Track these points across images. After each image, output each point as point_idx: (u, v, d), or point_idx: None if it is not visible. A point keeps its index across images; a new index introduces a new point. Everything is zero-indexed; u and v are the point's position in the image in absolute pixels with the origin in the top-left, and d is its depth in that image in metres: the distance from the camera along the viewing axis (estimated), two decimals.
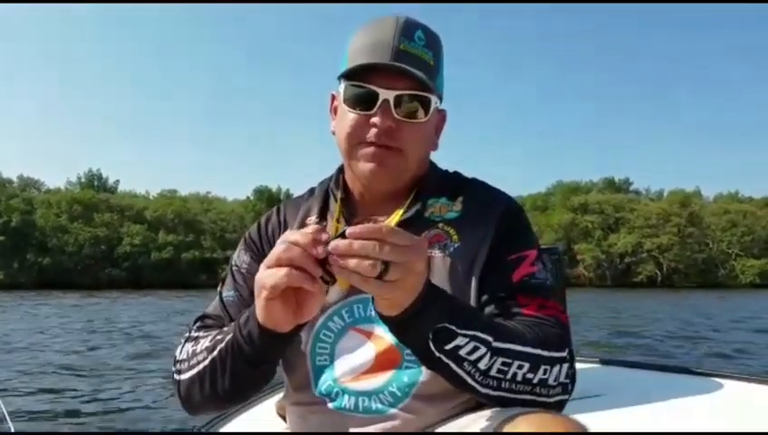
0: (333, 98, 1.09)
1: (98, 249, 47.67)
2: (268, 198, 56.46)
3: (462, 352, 0.85)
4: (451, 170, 1.17)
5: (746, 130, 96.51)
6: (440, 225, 1.05)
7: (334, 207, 1.11)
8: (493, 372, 0.87)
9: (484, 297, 0.99)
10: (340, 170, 1.14)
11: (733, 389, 2.12)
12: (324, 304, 1.02)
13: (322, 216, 1.12)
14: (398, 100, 0.99)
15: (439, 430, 0.98)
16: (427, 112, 1.02)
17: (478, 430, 0.88)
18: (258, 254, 1.11)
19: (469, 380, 0.87)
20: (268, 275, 0.80)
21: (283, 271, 0.78)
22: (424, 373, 0.97)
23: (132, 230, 49.63)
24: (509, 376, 0.87)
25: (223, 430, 1.77)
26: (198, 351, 0.99)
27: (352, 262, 0.74)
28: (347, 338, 1.03)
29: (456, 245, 1.02)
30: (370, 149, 1.01)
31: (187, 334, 1.07)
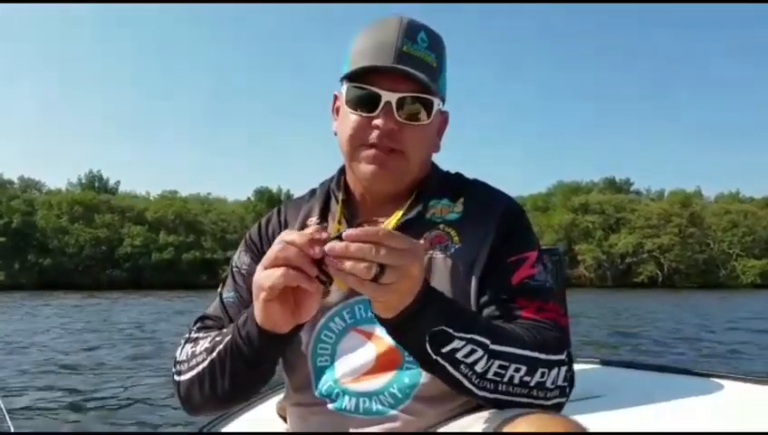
0: (336, 98, 1.10)
1: (98, 250, 47.69)
2: (269, 199, 56.46)
3: (459, 355, 0.85)
4: (452, 171, 1.17)
5: (746, 130, 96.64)
6: (441, 226, 1.05)
7: (335, 208, 1.11)
8: (490, 375, 0.87)
9: (484, 299, 0.99)
10: (342, 171, 1.14)
11: (733, 389, 2.12)
12: (326, 305, 1.02)
13: (323, 217, 1.12)
14: (400, 102, 0.99)
15: (439, 431, 0.98)
16: (429, 115, 1.02)
17: (478, 431, 0.88)
18: (259, 255, 1.11)
19: (466, 382, 0.87)
20: (265, 277, 0.80)
21: (279, 271, 0.79)
22: (424, 375, 0.97)
23: (133, 231, 49.66)
24: (506, 379, 0.87)
25: (223, 430, 1.77)
26: (198, 352, 0.99)
27: (348, 264, 0.74)
28: (348, 339, 1.03)
29: (456, 246, 1.02)
30: (372, 152, 1.01)
31: (187, 335, 1.08)
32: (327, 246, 0.75)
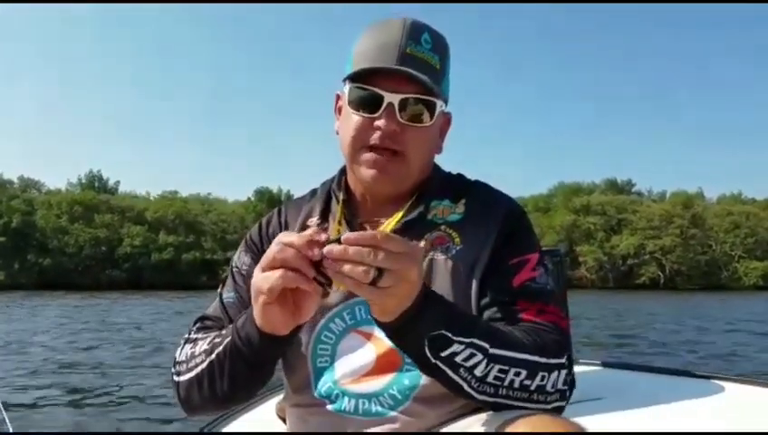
0: (338, 98, 1.10)
1: (98, 250, 47.72)
2: (269, 200, 56.49)
3: (458, 359, 0.85)
4: (454, 172, 1.17)
5: (747, 130, 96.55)
6: (442, 227, 1.05)
7: (336, 208, 1.11)
8: (489, 379, 0.86)
9: (485, 301, 0.99)
10: (343, 172, 1.14)
11: (733, 391, 2.12)
12: (326, 306, 1.02)
13: (324, 217, 1.12)
14: (402, 103, 0.99)
15: (439, 432, 0.98)
16: (432, 116, 1.02)
17: (478, 432, 0.88)
18: (259, 255, 1.10)
19: (465, 386, 0.87)
20: (263, 279, 0.80)
21: (277, 273, 0.78)
22: (424, 377, 0.97)
23: (133, 231, 49.67)
24: (506, 383, 0.87)
25: (223, 430, 1.77)
26: (197, 353, 0.99)
27: (346, 267, 0.74)
28: (348, 340, 1.02)
29: (458, 247, 1.02)
30: (372, 156, 1.01)
31: (187, 336, 1.07)
32: (325, 249, 0.75)
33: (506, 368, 0.87)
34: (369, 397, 0.98)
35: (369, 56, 0.99)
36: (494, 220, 1.04)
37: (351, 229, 1.05)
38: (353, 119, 1.02)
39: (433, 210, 1.07)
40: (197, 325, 1.09)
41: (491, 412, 0.92)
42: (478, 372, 0.86)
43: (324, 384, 1.02)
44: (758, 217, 58.45)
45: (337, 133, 1.09)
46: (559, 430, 0.80)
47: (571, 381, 0.94)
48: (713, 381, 2.25)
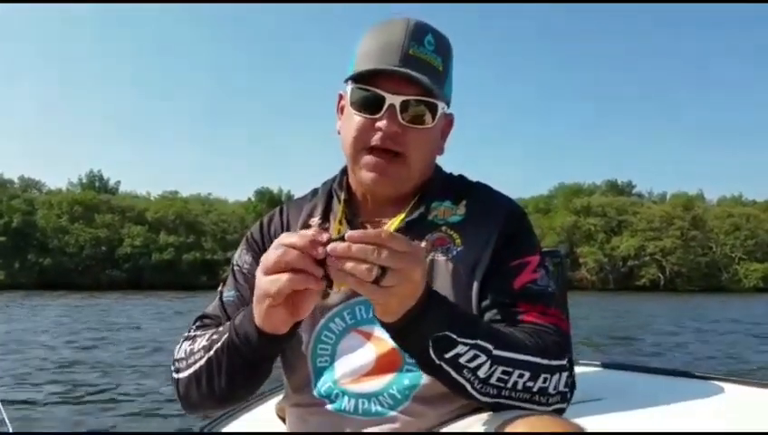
0: (341, 97, 1.10)
1: (99, 250, 47.69)
2: (269, 200, 56.49)
3: (462, 360, 0.85)
4: (455, 173, 1.17)
5: (747, 131, 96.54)
6: (443, 228, 1.05)
7: (337, 208, 1.11)
8: (492, 381, 0.87)
9: (485, 302, 0.99)
10: (344, 171, 1.14)
11: (733, 392, 2.12)
12: (327, 306, 1.02)
13: (326, 217, 1.12)
14: (404, 105, 0.99)
15: (439, 432, 0.98)
16: (433, 118, 1.02)
17: (478, 432, 0.88)
18: (260, 254, 1.10)
19: (468, 387, 0.87)
20: (270, 282, 0.80)
21: (285, 276, 0.78)
22: (424, 376, 0.97)
23: (133, 231, 49.64)
24: (509, 385, 0.87)
25: (223, 430, 1.77)
26: (196, 350, 0.99)
27: (349, 264, 0.74)
28: (348, 339, 1.02)
29: (458, 248, 1.02)
30: (373, 158, 1.01)
31: (186, 333, 1.08)
32: (329, 247, 0.75)
33: (510, 370, 0.87)
34: (368, 397, 0.98)
35: (372, 57, 0.99)
36: (495, 222, 1.04)
37: (353, 229, 1.05)
38: (355, 119, 1.02)
39: (434, 211, 1.07)
40: (197, 323, 1.09)
41: (491, 412, 0.92)
42: (482, 373, 0.86)
43: (324, 384, 1.02)
44: (758, 219, 58.43)
45: (339, 133, 1.09)
46: (558, 431, 0.81)
47: (571, 384, 0.94)
48: (712, 381, 2.25)
